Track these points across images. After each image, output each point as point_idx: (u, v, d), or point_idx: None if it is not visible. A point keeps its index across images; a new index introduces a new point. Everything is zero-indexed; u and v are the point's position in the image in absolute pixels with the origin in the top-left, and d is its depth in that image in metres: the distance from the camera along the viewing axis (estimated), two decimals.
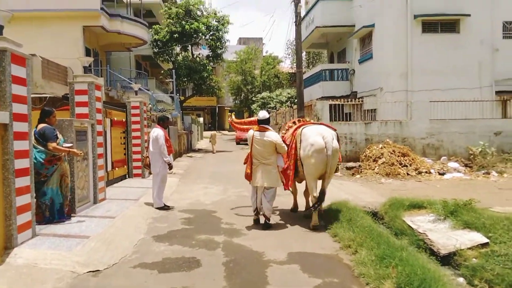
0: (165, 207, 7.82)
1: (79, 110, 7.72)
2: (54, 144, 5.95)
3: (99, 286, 4.10)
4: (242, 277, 4.29)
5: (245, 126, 8.00)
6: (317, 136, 6.30)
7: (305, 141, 6.35)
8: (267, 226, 6.34)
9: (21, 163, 4.88)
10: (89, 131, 7.58)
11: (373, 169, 12.34)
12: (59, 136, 6.26)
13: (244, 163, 6.69)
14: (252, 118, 8.01)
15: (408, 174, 11.89)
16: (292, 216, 7.17)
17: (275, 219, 6.93)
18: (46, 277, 4.16)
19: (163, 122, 8.29)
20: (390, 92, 16.25)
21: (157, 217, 7.18)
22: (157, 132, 7.92)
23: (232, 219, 6.94)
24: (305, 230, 6.21)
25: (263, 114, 6.60)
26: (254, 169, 6.42)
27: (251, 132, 6.52)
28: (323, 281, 4.18)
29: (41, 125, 6.08)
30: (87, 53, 20.27)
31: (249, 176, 6.49)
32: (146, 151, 8.48)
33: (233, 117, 8.62)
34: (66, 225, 5.96)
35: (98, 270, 4.51)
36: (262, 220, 6.45)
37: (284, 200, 8.14)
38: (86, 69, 7.86)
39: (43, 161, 5.94)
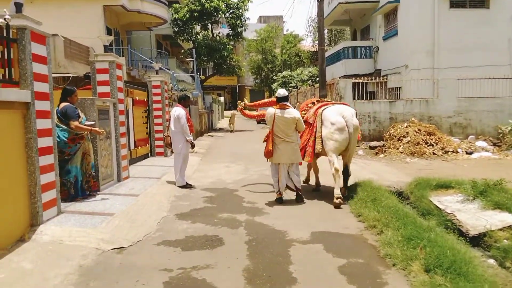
0: (187, 186, 7.84)
1: (100, 89, 7.73)
2: (76, 123, 5.97)
3: (123, 263, 4.12)
4: (265, 256, 4.24)
5: (254, 113, 7.91)
6: (337, 115, 6.59)
7: (327, 121, 6.62)
8: (300, 199, 6.57)
9: (44, 142, 4.90)
10: (111, 110, 7.59)
11: (398, 149, 12.06)
12: (81, 115, 6.28)
13: (264, 141, 6.62)
14: (265, 100, 7.73)
15: (434, 153, 11.58)
16: (314, 195, 7.07)
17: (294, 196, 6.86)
18: (71, 254, 4.20)
19: (184, 101, 8.23)
20: (415, 69, 15.74)
21: (179, 195, 7.19)
22: (179, 111, 7.88)
23: (254, 197, 6.90)
24: (329, 209, 6.12)
25: (282, 91, 6.71)
26: (277, 147, 6.42)
27: (271, 110, 6.49)
28: (348, 261, 4.09)
29: (63, 104, 6.10)
30: (108, 32, 20.29)
31: (270, 154, 6.47)
32: (167, 130, 8.46)
33: (246, 101, 8.21)
34: (91, 202, 6.03)
35: (123, 247, 4.54)
36: (285, 197, 6.57)
37: (303, 179, 8.05)
38: (107, 48, 7.82)
39: (66, 139, 5.98)
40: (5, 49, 4.45)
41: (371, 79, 14.41)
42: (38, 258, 4.04)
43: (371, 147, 12.72)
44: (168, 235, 4.99)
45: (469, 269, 3.53)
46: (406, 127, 12.72)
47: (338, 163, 6.50)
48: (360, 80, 13.91)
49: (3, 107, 4.26)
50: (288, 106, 6.55)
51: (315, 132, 6.72)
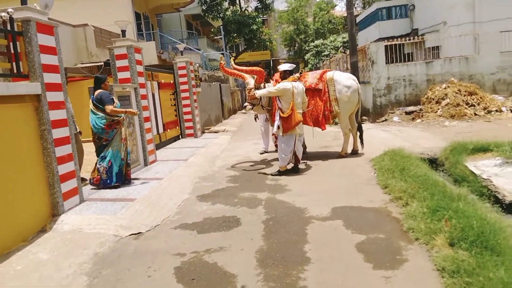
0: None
1: (120, 75, 7.74)
2: (111, 107, 6.02)
3: (138, 249, 4.12)
4: (281, 235, 4.10)
5: (234, 72, 7.71)
6: (349, 79, 7.49)
7: (340, 84, 7.38)
8: (298, 170, 6.79)
9: (60, 132, 4.94)
10: (133, 95, 7.61)
11: (436, 112, 11.41)
12: (115, 100, 6.32)
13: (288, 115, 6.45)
14: (252, 68, 7.44)
15: (475, 114, 10.85)
16: (341, 168, 6.79)
17: (324, 171, 6.65)
18: (88, 242, 4.25)
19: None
20: (455, 25, 14.72)
21: (204, 176, 7.16)
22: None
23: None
24: (355, 182, 5.85)
25: (289, 65, 6.95)
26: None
27: (288, 84, 6.49)
28: (367, 237, 3.86)
29: (98, 91, 6.13)
30: (137, 17, 20.44)
31: (295, 125, 6.46)
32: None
33: (232, 63, 8.07)
34: (114, 189, 6.10)
35: (140, 233, 4.55)
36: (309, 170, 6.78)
37: (331, 151, 7.77)
38: (124, 33, 7.77)
39: (103, 126, 6.04)
40: (11, 43, 4.46)
41: (407, 40, 13.59)
42: (55, 248, 4.11)
43: (407, 113, 12.12)
44: (187, 218, 4.96)
45: (498, 241, 3.21)
46: (445, 88, 11.97)
47: (354, 125, 7.67)
48: (394, 42, 13.15)
49: (13, 101, 4.30)
50: (295, 79, 6.79)
51: (328, 96, 7.38)
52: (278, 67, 7.15)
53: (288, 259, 3.57)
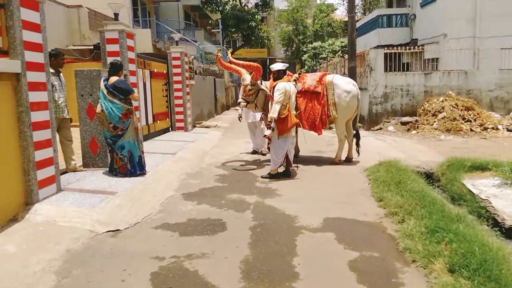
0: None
1: (111, 60, 7.36)
2: (136, 94, 6.05)
3: (114, 248, 3.81)
4: (268, 245, 3.82)
5: (231, 66, 7.37)
6: (349, 84, 7.25)
7: (339, 89, 7.12)
8: (289, 174, 6.50)
9: (39, 116, 4.60)
10: None
11: (432, 125, 11.25)
12: None
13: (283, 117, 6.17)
14: (250, 63, 7.15)
15: (471, 130, 10.71)
16: (334, 176, 6.55)
17: (317, 177, 6.40)
18: (62, 237, 3.93)
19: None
20: (455, 38, 14.59)
21: (191, 172, 6.86)
22: None
23: None
24: (348, 192, 5.60)
25: (283, 64, 6.77)
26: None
27: (287, 84, 6.27)
28: (361, 254, 3.60)
29: (114, 78, 5.86)
30: (134, 3, 19.97)
31: (292, 127, 6.23)
32: None
33: (229, 55, 7.77)
34: (95, 180, 5.77)
35: (118, 230, 4.24)
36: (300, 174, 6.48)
37: (325, 156, 7.53)
38: (117, 16, 7.41)
39: (120, 114, 5.80)
40: None
41: (406, 49, 13.42)
42: (25, 240, 3.79)
43: (403, 123, 11.94)
44: (170, 217, 4.65)
45: (503, 271, 2.98)
46: (442, 101, 11.82)
47: (350, 132, 7.42)
48: (393, 50, 12.96)
49: None
50: (290, 79, 6.68)
51: (327, 100, 7.12)
52: (270, 66, 6.83)
53: (275, 272, 3.29)
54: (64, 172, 6.00)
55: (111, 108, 5.74)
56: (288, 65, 7.09)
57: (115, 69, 5.95)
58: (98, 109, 5.87)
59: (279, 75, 6.62)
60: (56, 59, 5.99)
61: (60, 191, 5.02)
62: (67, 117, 6.18)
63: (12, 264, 3.34)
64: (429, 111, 11.74)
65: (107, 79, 5.87)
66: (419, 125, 11.50)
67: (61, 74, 6.12)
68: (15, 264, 3.35)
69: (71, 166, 6.22)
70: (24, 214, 4.32)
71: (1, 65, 4.11)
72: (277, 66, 6.67)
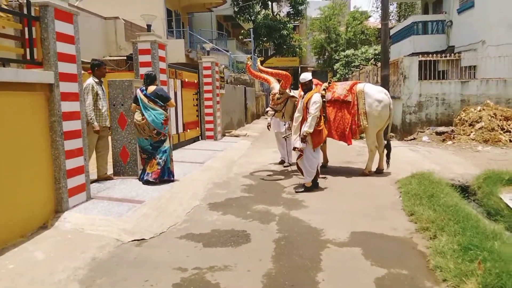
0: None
1: (143, 70, 7.52)
2: (173, 101, 6.44)
3: (138, 258, 3.83)
4: (292, 259, 3.73)
5: (261, 75, 7.53)
6: (381, 93, 7.09)
7: (370, 98, 6.96)
8: (317, 185, 6.30)
9: (71, 125, 4.73)
10: None
11: (469, 135, 10.79)
12: None
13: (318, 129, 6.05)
14: (279, 72, 7.23)
15: (511, 141, 10.18)
16: (364, 188, 6.37)
17: (345, 189, 6.25)
18: (88, 245, 3.99)
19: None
20: (494, 46, 13.97)
21: (219, 182, 6.86)
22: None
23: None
24: (377, 205, 5.42)
25: (309, 73, 6.44)
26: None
27: (319, 96, 6.06)
28: (389, 271, 3.45)
29: (153, 87, 6.13)
30: (169, 14, 20.42)
31: (325, 138, 6.37)
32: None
33: (259, 63, 7.84)
34: (124, 188, 5.86)
35: (144, 239, 4.27)
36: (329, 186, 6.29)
37: (355, 167, 7.36)
38: (149, 28, 7.59)
39: (162, 121, 6.08)
40: (26, 28, 4.27)
41: (442, 57, 13.00)
42: (53, 247, 3.87)
43: (438, 133, 11.52)
44: (194, 227, 4.65)
45: None
46: (480, 110, 11.33)
47: (381, 143, 7.24)
48: (428, 58, 12.58)
49: (22, 89, 4.11)
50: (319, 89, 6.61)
51: (357, 109, 6.97)
52: (300, 78, 6.36)
53: None
54: (94, 181, 6.13)
55: (154, 116, 5.99)
56: (310, 72, 6.94)
57: (152, 79, 6.16)
58: (138, 118, 6.05)
59: (310, 85, 6.24)
60: (99, 68, 6.19)
61: (90, 199, 5.13)
62: (108, 125, 6.35)
63: (39, 271, 3.41)
64: (466, 121, 11.29)
65: (145, 89, 6.07)
66: (455, 136, 11.07)
67: (102, 84, 6.29)
68: (42, 271, 3.42)
69: (101, 174, 6.35)
70: (53, 221, 4.42)
71: (35, 76, 4.26)
72: (307, 76, 6.24)
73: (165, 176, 6.24)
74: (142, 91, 6.09)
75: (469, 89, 12.14)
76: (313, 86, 6.35)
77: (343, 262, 3.68)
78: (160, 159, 6.16)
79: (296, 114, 6.28)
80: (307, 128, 5.90)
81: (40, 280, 3.29)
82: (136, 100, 6.12)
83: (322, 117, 6.11)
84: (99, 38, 15.79)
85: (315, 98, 5.96)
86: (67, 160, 4.66)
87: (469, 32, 15.56)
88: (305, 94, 6.16)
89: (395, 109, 12.27)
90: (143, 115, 6.01)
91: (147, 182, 6.09)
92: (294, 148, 6.23)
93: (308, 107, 5.94)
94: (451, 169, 7.39)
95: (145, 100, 6.01)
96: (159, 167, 6.14)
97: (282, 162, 8.35)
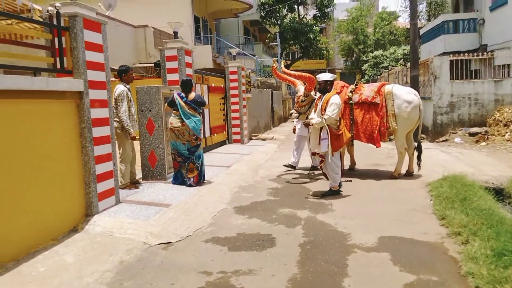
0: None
1: (170, 76, 7.68)
2: (207, 104, 6.67)
3: (165, 261, 3.87)
4: (318, 264, 3.68)
5: (287, 77, 7.64)
6: (410, 94, 6.94)
7: (399, 99, 6.84)
8: (340, 186, 6.17)
9: (100, 131, 4.85)
10: None
11: (503, 136, 10.40)
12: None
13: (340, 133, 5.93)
14: (302, 74, 7.30)
15: None
16: (392, 191, 6.23)
17: (373, 192, 6.13)
18: (116, 248, 4.07)
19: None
20: None
21: (245, 185, 6.87)
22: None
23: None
24: (407, 208, 5.28)
25: (331, 74, 6.14)
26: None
27: (337, 98, 5.82)
28: (418, 277, 3.35)
29: (193, 94, 6.31)
30: (196, 21, 20.71)
31: (346, 143, 6.21)
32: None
33: (283, 65, 7.88)
34: (151, 192, 5.96)
35: (170, 242, 4.32)
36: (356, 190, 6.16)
37: (384, 170, 7.21)
38: (176, 35, 7.71)
39: (200, 127, 6.36)
40: (56, 38, 4.41)
41: (474, 56, 12.60)
42: (83, 251, 3.97)
43: (471, 134, 11.15)
44: (220, 231, 4.67)
45: None
46: None
47: (411, 144, 7.13)
48: (459, 57, 12.21)
49: (53, 96, 4.24)
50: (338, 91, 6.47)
51: (386, 111, 6.84)
52: (317, 76, 6.20)
53: None
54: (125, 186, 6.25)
55: (195, 122, 6.18)
56: (336, 76, 6.59)
57: (190, 85, 6.29)
58: (177, 124, 6.18)
59: (326, 86, 5.92)
60: (127, 74, 6.20)
61: (119, 203, 5.24)
62: (137, 130, 6.46)
63: (68, 274, 3.50)
64: (501, 121, 10.88)
65: (185, 96, 6.19)
66: (489, 136, 10.68)
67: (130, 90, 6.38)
68: (71, 275, 3.50)
69: (131, 179, 6.43)
70: (83, 225, 4.54)
71: (65, 84, 4.40)
72: (324, 76, 5.98)
73: (202, 179, 6.51)
74: (182, 97, 6.19)
75: (503, 88, 11.70)
76: (331, 88, 5.96)
77: (371, 267, 3.60)
78: (197, 163, 6.40)
79: (313, 117, 6.00)
80: (315, 121, 5.74)
81: (68, 283, 3.38)
82: (172, 103, 6.23)
83: (342, 121, 5.96)
84: (129, 46, 16.19)
85: (335, 99, 5.73)
86: (97, 165, 4.78)
87: (503, 30, 15.01)
88: (323, 95, 5.92)
89: (425, 110, 11.96)
90: (182, 121, 6.14)
91: (190, 186, 6.29)
92: (314, 153, 6.10)
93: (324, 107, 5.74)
94: (484, 171, 7.13)
95: (186, 107, 6.15)
96: (198, 171, 6.41)
97: (291, 167, 7.99)
